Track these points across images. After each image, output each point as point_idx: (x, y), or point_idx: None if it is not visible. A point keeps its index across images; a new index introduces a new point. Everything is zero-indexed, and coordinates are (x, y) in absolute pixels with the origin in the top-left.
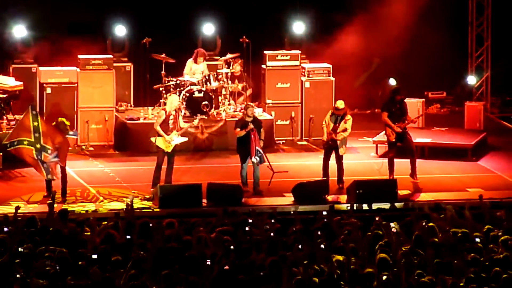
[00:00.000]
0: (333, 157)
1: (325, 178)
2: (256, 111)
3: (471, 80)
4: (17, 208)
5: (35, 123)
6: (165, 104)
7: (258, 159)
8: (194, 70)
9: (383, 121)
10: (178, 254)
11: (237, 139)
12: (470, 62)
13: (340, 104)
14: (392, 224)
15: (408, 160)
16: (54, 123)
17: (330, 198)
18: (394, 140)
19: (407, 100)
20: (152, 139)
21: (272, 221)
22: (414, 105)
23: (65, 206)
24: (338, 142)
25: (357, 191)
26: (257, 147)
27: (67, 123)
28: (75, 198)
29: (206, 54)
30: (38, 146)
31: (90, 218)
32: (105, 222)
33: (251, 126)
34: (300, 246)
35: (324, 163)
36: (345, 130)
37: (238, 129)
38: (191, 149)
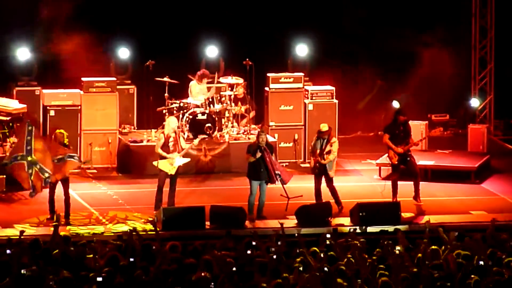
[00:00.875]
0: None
1: (328, 201)
2: (268, 137)
3: (475, 102)
4: (22, 232)
5: (29, 137)
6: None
7: (279, 178)
8: (199, 90)
9: (384, 143)
10: (180, 277)
11: (248, 164)
12: (473, 85)
13: (323, 127)
14: (397, 247)
15: (412, 182)
16: (53, 136)
17: (333, 220)
18: (396, 162)
19: (410, 122)
20: (155, 163)
21: (279, 243)
22: (417, 127)
23: (68, 228)
24: (326, 165)
25: (360, 213)
26: (276, 171)
27: (65, 133)
28: (79, 221)
29: (208, 76)
30: (29, 158)
31: (94, 240)
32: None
33: (259, 154)
34: (301, 269)
35: (315, 188)
36: (329, 152)
37: (250, 155)
38: (194, 172)
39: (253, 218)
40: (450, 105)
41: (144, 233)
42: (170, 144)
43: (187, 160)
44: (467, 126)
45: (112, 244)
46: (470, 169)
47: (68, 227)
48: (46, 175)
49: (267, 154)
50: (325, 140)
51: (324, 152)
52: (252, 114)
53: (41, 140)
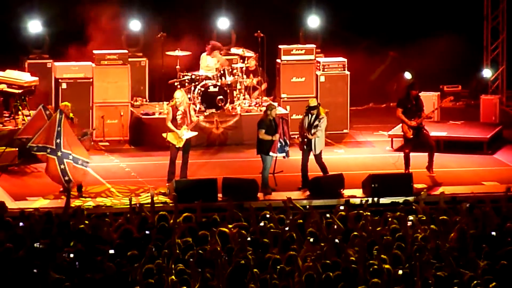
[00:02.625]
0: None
1: (341, 173)
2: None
3: (487, 73)
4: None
5: (59, 128)
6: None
7: (287, 150)
8: (208, 63)
9: (398, 117)
10: (193, 248)
11: (259, 140)
12: (486, 56)
13: (312, 101)
14: (410, 217)
15: (426, 154)
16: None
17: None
18: (411, 136)
19: (422, 94)
20: (164, 134)
21: (291, 217)
22: (429, 98)
23: (79, 202)
24: (313, 141)
25: (373, 185)
26: (286, 139)
27: (69, 105)
28: (93, 194)
29: (221, 47)
30: (59, 154)
31: (106, 213)
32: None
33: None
34: (312, 240)
35: (302, 163)
36: (317, 126)
37: (263, 131)
38: (206, 144)
39: (269, 191)
40: (462, 76)
41: (161, 205)
42: (178, 117)
43: (195, 133)
44: (479, 97)
45: (126, 217)
46: (483, 140)
47: (81, 200)
48: (80, 162)
49: (284, 124)
50: (314, 116)
51: (312, 127)
52: (264, 86)
53: (69, 129)
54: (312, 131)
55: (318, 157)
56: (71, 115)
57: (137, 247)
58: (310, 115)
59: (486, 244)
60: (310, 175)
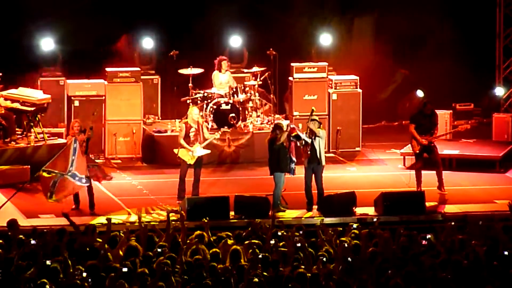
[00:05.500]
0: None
1: (353, 191)
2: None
3: (499, 91)
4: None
5: (73, 157)
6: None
7: (293, 167)
8: (221, 81)
9: (410, 133)
10: (205, 266)
11: (271, 158)
12: (498, 74)
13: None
14: (428, 236)
15: (435, 172)
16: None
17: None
18: (418, 151)
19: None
20: (175, 150)
21: (301, 232)
22: (442, 117)
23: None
24: (318, 154)
25: (385, 203)
26: (292, 156)
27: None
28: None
29: (227, 59)
30: (69, 174)
31: (119, 231)
32: (133, 235)
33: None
34: (324, 259)
35: (306, 183)
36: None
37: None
38: (217, 162)
39: (280, 210)
40: (474, 94)
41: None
42: (191, 134)
43: (208, 151)
44: (491, 115)
45: (137, 234)
46: (495, 158)
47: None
48: (77, 178)
49: (292, 142)
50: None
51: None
52: (267, 107)
53: (82, 158)
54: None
55: (321, 172)
56: (88, 131)
57: (146, 265)
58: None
59: (498, 263)
60: (328, 192)
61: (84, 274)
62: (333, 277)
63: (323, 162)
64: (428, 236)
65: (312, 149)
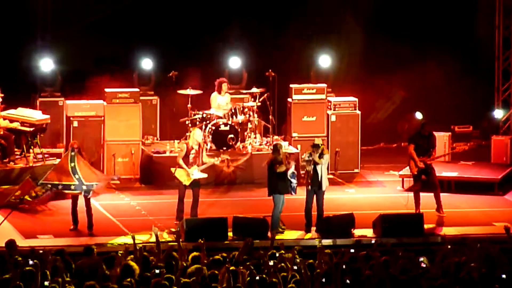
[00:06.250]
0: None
1: (351, 212)
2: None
3: (498, 114)
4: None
5: (72, 164)
6: (189, 137)
7: (295, 186)
8: (219, 102)
9: (409, 153)
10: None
11: (270, 179)
12: (497, 96)
13: (317, 140)
14: (421, 259)
15: (433, 194)
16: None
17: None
18: (416, 173)
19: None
20: (172, 169)
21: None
22: (440, 139)
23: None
24: (319, 178)
25: (383, 225)
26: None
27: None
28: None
29: (227, 82)
30: (84, 188)
31: (117, 252)
32: (132, 256)
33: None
34: (324, 280)
35: (306, 205)
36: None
37: (283, 166)
38: (216, 182)
39: (278, 231)
40: (473, 117)
41: (170, 243)
42: (191, 156)
43: (205, 175)
44: (490, 137)
45: (134, 255)
46: (493, 181)
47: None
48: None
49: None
50: (317, 154)
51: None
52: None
53: (85, 162)
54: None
55: (322, 195)
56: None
57: (143, 285)
58: (315, 153)
59: (497, 285)
60: (327, 214)
61: None
62: None
63: (324, 187)
64: (421, 259)
65: (314, 174)
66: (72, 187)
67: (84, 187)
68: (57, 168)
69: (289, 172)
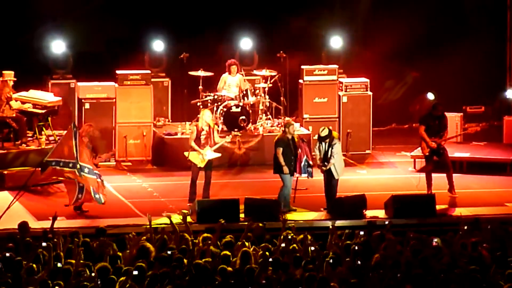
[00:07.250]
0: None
1: (363, 193)
2: (296, 128)
3: (510, 94)
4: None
5: (75, 141)
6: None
7: (311, 170)
8: (229, 83)
9: (420, 134)
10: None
11: (276, 159)
12: (509, 76)
13: (322, 131)
14: (435, 239)
15: (445, 175)
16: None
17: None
18: (428, 154)
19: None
20: (185, 153)
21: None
22: (452, 119)
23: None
24: (332, 168)
25: (395, 206)
26: (309, 160)
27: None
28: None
29: (236, 63)
30: (78, 166)
31: (130, 233)
32: (144, 237)
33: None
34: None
35: (325, 185)
36: (331, 157)
37: (281, 150)
38: (228, 164)
39: (291, 210)
40: (485, 97)
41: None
42: (202, 137)
43: (218, 155)
44: (502, 117)
45: (146, 237)
46: (506, 161)
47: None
48: (86, 170)
49: (305, 145)
50: (327, 144)
51: (328, 157)
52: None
53: (81, 141)
54: (326, 164)
55: (335, 185)
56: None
57: (157, 268)
58: (324, 144)
59: (508, 266)
60: (339, 195)
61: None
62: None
63: (337, 176)
64: (435, 239)
65: (324, 156)
66: (70, 164)
67: (78, 166)
68: (62, 144)
69: (303, 159)
